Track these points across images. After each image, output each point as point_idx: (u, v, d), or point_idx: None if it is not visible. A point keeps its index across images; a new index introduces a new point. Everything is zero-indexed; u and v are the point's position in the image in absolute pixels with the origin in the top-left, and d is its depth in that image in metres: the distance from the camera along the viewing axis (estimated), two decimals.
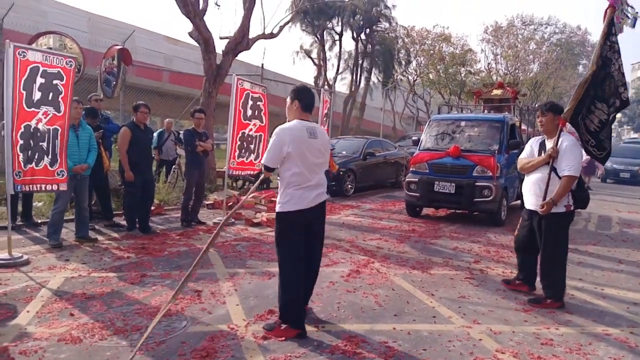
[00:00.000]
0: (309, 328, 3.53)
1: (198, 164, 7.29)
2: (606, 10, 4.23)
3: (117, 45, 9.47)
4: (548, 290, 4.28)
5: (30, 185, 5.13)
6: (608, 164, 19.99)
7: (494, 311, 4.09)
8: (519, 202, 10.36)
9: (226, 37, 11.11)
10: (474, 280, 5.00)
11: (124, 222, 6.80)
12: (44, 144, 5.12)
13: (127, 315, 3.64)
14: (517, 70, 28.95)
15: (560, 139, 4.21)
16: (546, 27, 29.06)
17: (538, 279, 4.51)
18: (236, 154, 7.61)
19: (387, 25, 28.15)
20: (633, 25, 4.35)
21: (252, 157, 7.87)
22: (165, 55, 20.20)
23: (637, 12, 4.35)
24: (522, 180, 9.98)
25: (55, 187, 5.36)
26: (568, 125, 4.34)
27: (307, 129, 3.44)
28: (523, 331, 3.67)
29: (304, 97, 3.52)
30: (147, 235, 6.40)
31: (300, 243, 3.46)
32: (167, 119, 10.94)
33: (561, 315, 4.06)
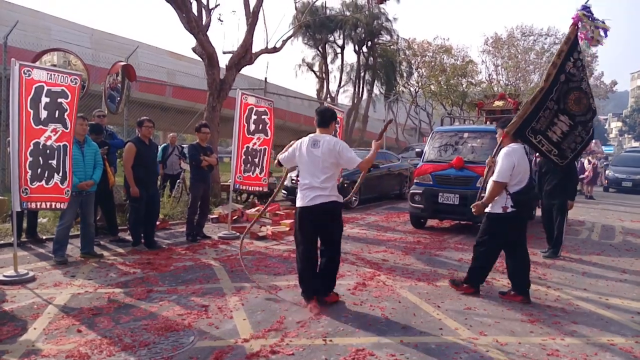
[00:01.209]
0: (315, 342, 3.55)
1: (203, 179, 7.33)
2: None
3: (121, 61, 9.59)
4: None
5: (37, 203, 5.14)
6: (610, 173, 20.04)
7: (500, 322, 4.09)
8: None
9: (229, 52, 11.24)
10: (480, 291, 5.00)
11: (128, 237, 6.84)
12: (54, 162, 5.15)
13: (135, 331, 3.65)
14: (518, 81, 29.08)
15: (500, 150, 4.77)
16: (546, 38, 29.21)
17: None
18: (242, 168, 7.66)
19: (389, 37, 28.38)
20: (605, 36, 4.77)
21: (258, 171, 7.91)
22: (169, 70, 20.37)
23: (603, 23, 4.72)
24: None
25: (59, 205, 5.37)
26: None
27: (311, 140, 4.28)
28: (529, 342, 3.67)
29: (317, 116, 4.41)
30: (152, 250, 6.43)
31: (303, 233, 4.30)
32: (170, 134, 11.02)
33: (567, 325, 4.06)
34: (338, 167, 4.32)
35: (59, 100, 5.20)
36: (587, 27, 4.65)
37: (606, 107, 55.48)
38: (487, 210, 4.80)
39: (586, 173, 16.11)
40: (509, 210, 4.61)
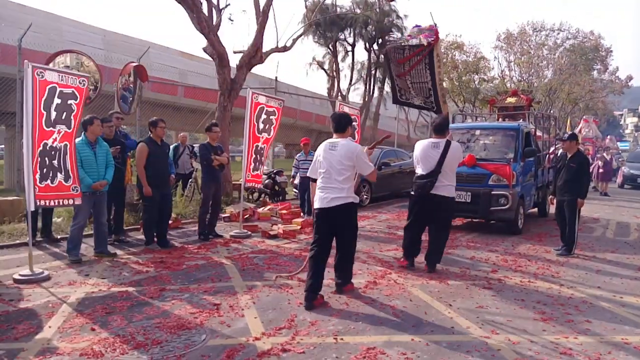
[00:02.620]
0: (327, 340, 3.56)
1: (214, 178, 7.38)
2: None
3: (133, 62, 9.67)
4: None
5: (48, 201, 5.23)
6: (625, 169, 19.73)
7: (512, 321, 4.06)
8: (536, 210, 10.28)
9: (240, 52, 11.27)
10: (491, 289, 4.97)
11: (141, 236, 6.90)
12: (55, 162, 5.23)
13: (148, 330, 3.69)
14: (531, 77, 28.72)
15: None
16: (558, 33, 28.76)
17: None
18: (251, 167, 7.71)
19: (399, 35, 28.15)
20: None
21: (261, 168, 8.05)
22: (180, 70, 20.50)
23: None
24: (539, 188, 9.89)
25: (71, 201, 5.45)
26: None
27: (330, 143, 4.52)
28: (542, 341, 3.64)
29: (333, 122, 4.63)
30: (165, 249, 6.49)
31: (319, 233, 4.53)
32: (181, 133, 11.09)
33: (580, 324, 4.02)
34: (354, 169, 4.47)
35: (69, 101, 5.28)
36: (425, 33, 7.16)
37: (622, 103, 54.50)
38: None
39: (596, 167, 15.85)
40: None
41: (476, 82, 28.26)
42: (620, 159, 23.65)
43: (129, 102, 9.45)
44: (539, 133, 10.87)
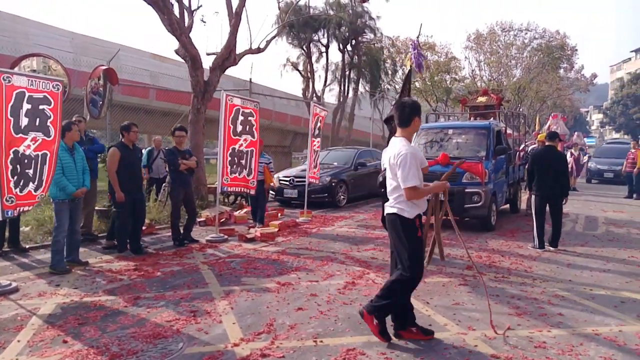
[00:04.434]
0: (306, 343, 3.55)
1: (183, 183, 7.25)
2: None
3: (103, 65, 9.45)
4: None
5: (14, 210, 5.02)
6: (592, 164, 20.35)
7: (488, 316, 4.12)
8: (508, 206, 10.50)
9: (213, 53, 11.17)
10: (467, 286, 5.05)
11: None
12: (30, 171, 5.05)
13: (123, 340, 3.61)
14: (500, 76, 29.33)
15: None
16: (526, 33, 29.45)
17: None
18: (228, 170, 7.62)
19: (373, 36, 28.38)
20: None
21: (245, 172, 7.88)
22: (152, 72, 20.15)
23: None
24: (510, 185, 10.08)
25: (29, 208, 5.27)
26: None
27: (389, 144, 3.82)
28: (517, 335, 3.71)
29: (395, 111, 3.77)
30: (139, 256, 6.37)
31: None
32: (155, 137, 10.91)
33: (553, 317, 4.12)
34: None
35: (41, 106, 5.12)
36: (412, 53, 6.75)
37: (587, 100, 56.21)
38: None
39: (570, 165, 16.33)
40: None
41: (448, 82, 28.74)
42: (587, 155, 24.36)
43: (99, 106, 9.24)
44: (509, 131, 11.12)
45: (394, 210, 3.60)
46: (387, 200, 4.02)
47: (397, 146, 3.56)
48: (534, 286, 5.06)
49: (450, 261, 6.20)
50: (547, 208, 7.00)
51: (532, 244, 7.04)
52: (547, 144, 7.24)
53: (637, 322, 4.04)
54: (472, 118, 11.34)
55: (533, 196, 7.19)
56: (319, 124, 10.24)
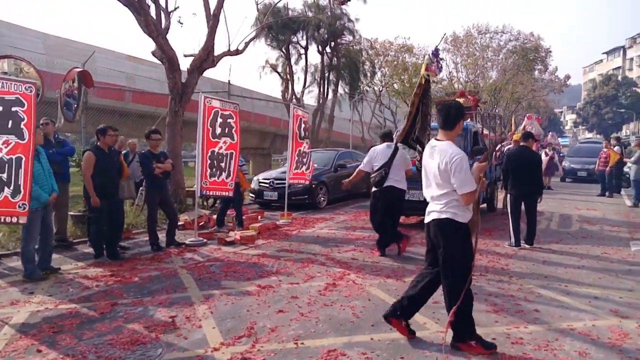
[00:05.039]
0: (287, 346, 3.54)
1: (159, 187, 7.14)
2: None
3: (77, 67, 9.27)
4: None
5: None
6: (566, 163, 20.82)
7: None
8: (485, 205, 10.66)
9: (191, 55, 11.06)
10: None
11: (89, 249, 6.62)
12: (4, 175, 4.93)
13: (100, 347, 3.54)
14: (477, 78, 29.81)
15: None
16: (501, 35, 30.05)
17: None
18: (208, 173, 7.55)
19: (351, 38, 28.57)
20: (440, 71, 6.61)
21: (224, 175, 7.81)
22: (128, 74, 19.88)
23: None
24: (487, 184, 10.20)
25: (15, 219, 5.07)
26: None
27: (429, 147, 3.60)
28: (494, 332, 3.77)
29: (438, 114, 3.62)
30: (116, 261, 6.26)
31: (427, 251, 3.75)
32: (130, 140, 10.74)
33: (529, 313, 4.20)
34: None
35: (14, 108, 5.00)
36: (434, 64, 6.29)
37: (561, 101, 57.59)
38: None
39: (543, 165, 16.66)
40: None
41: None
42: (561, 154, 24.92)
43: (74, 109, 9.05)
44: (486, 132, 11.29)
45: (447, 215, 3.43)
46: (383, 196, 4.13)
47: (446, 151, 3.37)
48: (511, 283, 5.15)
49: None
50: (523, 207, 7.13)
51: (509, 242, 7.17)
52: (521, 144, 7.38)
53: (610, 316, 4.15)
54: None
55: (508, 195, 7.32)
56: (303, 126, 10.19)
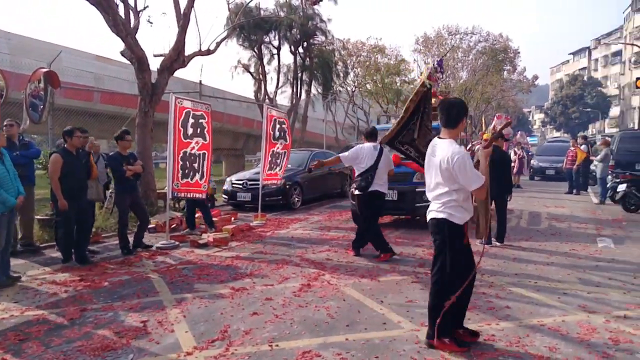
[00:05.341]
0: (262, 348, 3.51)
1: (130, 189, 7.00)
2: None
3: (43, 67, 8.99)
4: None
5: None
6: (534, 162, 21.39)
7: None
8: None
9: (161, 55, 10.87)
10: (420, 283, 5.16)
11: (57, 254, 6.43)
12: None
13: (68, 354, 3.44)
14: (448, 79, 30.30)
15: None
16: (471, 36, 30.66)
17: None
18: (179, 174, 7.43)
19: (324, 38, 28.57)
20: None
21: (198, 176, 7.71)
22: (96, 74, 19.45)
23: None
24: None
25: None
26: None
27: (431, 145, 3.58)
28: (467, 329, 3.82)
29: (440, 113, 3.59)
30: (84, 265, 6.09)
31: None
32: (93, 141, 10.45)
33: (501, 310, 4.28)
34: (458, 182, 3.39)
35: None
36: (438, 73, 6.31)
37: (529, 101, 59.14)
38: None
39: (513, 164, 17.06)
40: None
41: (398, 84, 29.36)
42: (530, 153, 25.54)
43: (40, 110, 8.78)
44: None
45: (443, 215, 3.44)
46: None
47: (447, 149, 3.34)
48: (482, 280, 5.24)
49: (403, 259, 6.32)
50: (493, 205, 7.27)
51: (480, 240, 7.29)
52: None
53: (579, 312, 4.27)
54: None
55: None
56: (278, 126, 10.11)
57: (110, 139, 11.64)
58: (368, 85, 30.38)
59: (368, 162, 6.38)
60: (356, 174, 6.59)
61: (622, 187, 10.78)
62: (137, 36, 10.19)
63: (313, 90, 30.32)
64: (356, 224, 6.80)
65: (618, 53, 53.06)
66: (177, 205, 11.04)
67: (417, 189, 8.25)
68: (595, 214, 10.52)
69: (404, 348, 3.49)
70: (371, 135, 6.70)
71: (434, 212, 3.54)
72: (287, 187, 11.45)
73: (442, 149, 3.39)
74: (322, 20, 27.65)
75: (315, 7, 25.62)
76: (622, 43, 45.63)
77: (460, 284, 3.45)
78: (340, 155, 6.82)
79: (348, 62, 30.88)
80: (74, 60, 17.47)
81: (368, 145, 6.54)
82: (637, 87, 19.81)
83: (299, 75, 27.88)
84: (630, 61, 44.29)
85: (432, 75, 6.07)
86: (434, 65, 6.27)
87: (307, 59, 28.14)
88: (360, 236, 6.64)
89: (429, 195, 3.61)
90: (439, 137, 3.54)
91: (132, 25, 10.18)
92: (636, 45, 32.98)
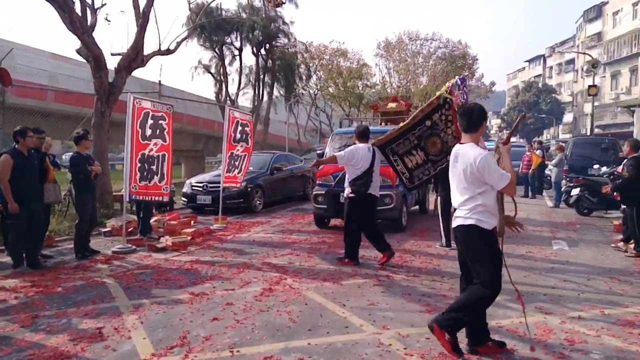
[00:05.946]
0: (222, 354, 3.46)
1: (91, 190, 6.80)
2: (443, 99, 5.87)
3: None
4: None
5: None
6: None
7: (401, 315, 4.30)
8: (417, 207, 11.04)
9: (118, 54, 10.57)
10: (381, 286, 5.22)
11: (6, 258, 6.12)
12: None
13: None
14: (408, 83, 30.92)
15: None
16: (431, 42, 31.43)
17: None
18: (137, 177, 7.22)
19: (286, 40, 28.59)
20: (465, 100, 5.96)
21: (156, 179, 7.51)
22: (50, 73, 18.71)
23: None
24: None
25: None
26: None
27: (454, 153, 3.56)
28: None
29: (461, 118, 3.60)
30: (36, 270, 5.83)
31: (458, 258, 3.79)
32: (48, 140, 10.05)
33: None
34: (483, 185, 3.37)
35: None
36: (459, 91, 6.00)
37: (487, 106, 61.03)
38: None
39: None
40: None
41: (360, 88, 29.72)
42: None
43: None
44: None
45: (471, 222, 3.39)
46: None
47: (470, 153, 3.33)
48: (443, 283, 5.35)
49: (364, 262, 6.37)
50: (452, 208, 7.44)
51: (440, 243, 7.46)
52: None
53: (536, 313, 4.40)
54: (382, 123, 11.78)
55: (439, 197, 7.62)
56: (239, 128, 9.98)
57: (65, 139, 11.20)
58: (330, 89, 30.61)
59: (364, 164, 6.13)
60: (349, 176, 6.29)
61: (575, 191, 11.01)
62: (94, 34, 9.91)
63: (275, 93, 30.26)
64: (347, 231, 6.45)
65: (571, 61, 55.60)
66: (134, 208, 10.74)
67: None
68: (550, 217, 10.84)
69: (366, 352, 3.52)
70: (364, 135, 6.39)
71: (460, 218, 3.49)
72: (249, 189, 11.35)
73: (464, 154, 3.40)
74: (284, 23, 27.67)
75: (278, 9, 25.61)
76: (575, 52, 47.86)
77: (497, 290, 3.45)
78: (336, 154, 6.46)
79: (310, 65, 31.03)
80: (27, 57, 16.80)
81: (363, 146, 6.26)
82: (589, 95, 20.71)
83: (261, 77, 27.75)
84: (582, 69, 46.53)
85: (454, 91, 5.90)
86: (457, 82, 6.04)
87: (270, 60, 28.05)
88: (349, 243, 6.38)
89: (455, 202, 3.58)
90: (460, 143, 3.54)
91: (88, 23, 9.89)
92: (588, 54, 34.64)
